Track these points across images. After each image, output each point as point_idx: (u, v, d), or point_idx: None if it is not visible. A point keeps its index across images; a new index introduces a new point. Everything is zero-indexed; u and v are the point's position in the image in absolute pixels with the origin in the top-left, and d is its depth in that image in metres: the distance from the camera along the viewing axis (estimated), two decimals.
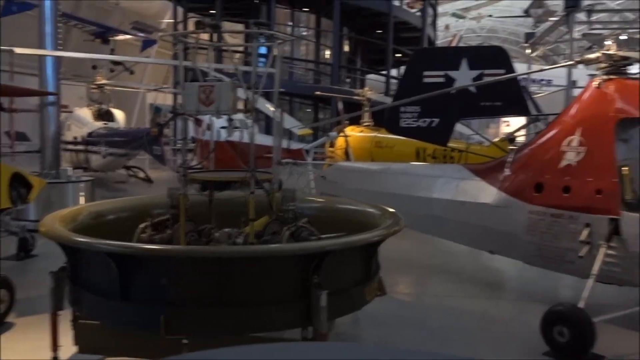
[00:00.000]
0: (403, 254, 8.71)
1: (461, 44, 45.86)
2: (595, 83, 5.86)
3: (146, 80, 32.29)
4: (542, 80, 28.81)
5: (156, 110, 27.34)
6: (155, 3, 32.77)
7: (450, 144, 10.98)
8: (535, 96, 14.99)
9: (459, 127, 12.31)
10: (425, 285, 8.00)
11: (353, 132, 14.25)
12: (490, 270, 8.22)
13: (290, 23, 28.85)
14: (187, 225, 4.89)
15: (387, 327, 5.78)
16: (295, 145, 12.60)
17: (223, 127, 11.72)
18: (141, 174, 17.60)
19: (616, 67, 5.77)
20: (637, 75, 5.98)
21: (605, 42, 6.05)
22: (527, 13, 29.95)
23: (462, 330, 5.85)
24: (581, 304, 4.93)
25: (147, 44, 27.43)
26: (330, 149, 14.57)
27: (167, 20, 31.46)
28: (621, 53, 5.66)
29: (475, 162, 9.15)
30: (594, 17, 26.10)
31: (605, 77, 5.81)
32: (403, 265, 8.34)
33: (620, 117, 5.50)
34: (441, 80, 8.45)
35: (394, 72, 25.39)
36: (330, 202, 6.03)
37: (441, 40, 50.72)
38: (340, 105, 15.50)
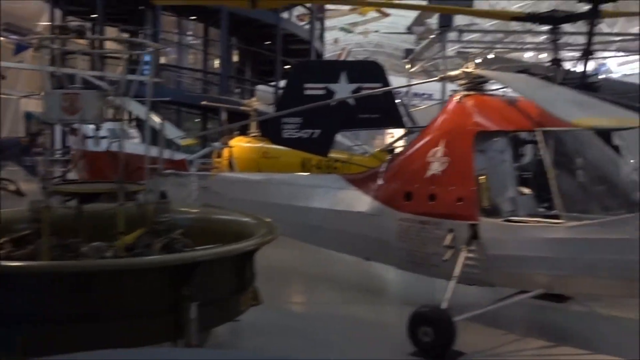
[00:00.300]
0: (285, 263, 8.82)
1: (350, 58, 47.25)
2: (456, 98, 6.32)
3: (20, 86, 30.15)
4: (423, 94, 30.46)
5: (27, 117, 25.57)
6: (31, 4, 30.77)
7: (334, 155, 11.30)
8: (415, 109, 15.77)
9: (343, 139, 12.70)
10: (307, 293, 8.15)
11: (239, 143, 14.24)
12: (372, 277, 8.50)
13: (177, 31, 28.29)
14: (51, 240, 4.65)
15: (266, 336, 5.80)
16: (178, 156, 12.34)
17: (90, 137, 11.23)
18: (12, 187, 16.37)
19: (474, 83, 6.25)
20: (494, 91, 6.50)
21: (473, 61, 6.53)
22: (410, 30, 31.61)
23: (340, 336, 6.02)
24: (444, 305, 5.27)
25: (21, 47, 25.65)
26: (218, 159, 14.44)
27: (44, 23, 29.65)
28: (478, 71, 6.14)
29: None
30: (470, 37, 28.03)
31: (465, 92, 6.28)
32: (285, 274, 8.44)
33: (478, 130, 5.96)
34: (321, 92, 8.69)
35: (283, 83, 25.65)
36: (207, 212, 5.99)
37: (331, 53, 52.10)
38: (223, 116, 15.43)
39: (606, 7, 9.09)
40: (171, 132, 12.27)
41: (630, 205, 5.23)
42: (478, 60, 21.05)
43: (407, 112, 11.24)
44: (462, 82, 6.31)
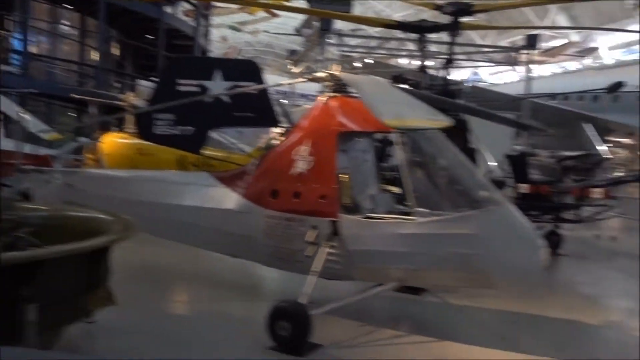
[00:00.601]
0: (155, 262, 8.63)
1: (240, 57, 46.97)
2: (322, 99, 6.50)
3: None
4: (310, 94, 31.05)
5: None
6: None
7: (212, 152, 11.19)
8: (295, 109, 16.03)
9: (220, 137, 12.60)
10: (174, 292, 7.99)
11: (113, 139, 13.66)
12: (245, 274, 8.48)
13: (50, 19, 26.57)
14: None
15: (123, 338, 5.60)
16: (43, 151, 11.60)
17: None
18: None
19: (339, 86, 6.47)
20: (355, 94, 6.75)
21: (355, 64, 6.74)
22: (298, 32, 32.03)
23: (201, 334, 5.96)
24: (302, 299, 5.40)
25: None
26: (90, 155, 13.75)
27: None
28: (340, 74, 6.35)
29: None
30: (357, 42, 28.86)
31: (330, 94, 6.48)
32: (154, 273, 8.25)
33: (340, 131, 6.18)
34: (195, 89, 8.57)
35: None
36: (60, 210, 5.70)
37: (219, 50, 51.53)
38: (93, 110, 14.73)
39: (467, 20, 9.85)
40: (34, 125, 11.50)
41: (474, 203, 5.65)
42: (358, 64, 21.83)
43: (284, 112, 11.40)
44: (328, 83, 6.50)
